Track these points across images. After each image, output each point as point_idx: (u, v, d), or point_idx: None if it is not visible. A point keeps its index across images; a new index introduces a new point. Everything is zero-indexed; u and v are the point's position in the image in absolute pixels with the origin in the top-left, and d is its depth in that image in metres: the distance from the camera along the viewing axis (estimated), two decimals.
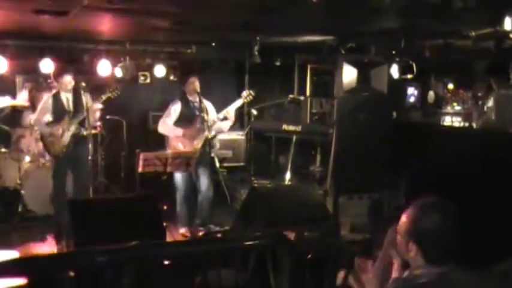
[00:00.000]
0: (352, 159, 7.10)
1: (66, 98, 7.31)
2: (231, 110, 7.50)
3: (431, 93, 9.31)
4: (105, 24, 7.16)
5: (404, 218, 2.84)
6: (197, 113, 7.49)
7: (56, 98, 7.34)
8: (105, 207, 5.63)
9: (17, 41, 8.33)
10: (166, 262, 4.59)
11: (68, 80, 7.29)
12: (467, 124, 9.21)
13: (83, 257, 4.55)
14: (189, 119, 7.48)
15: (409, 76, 7.97)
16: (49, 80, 8.78)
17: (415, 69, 7.74)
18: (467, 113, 9.25)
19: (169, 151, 7.24)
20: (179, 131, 7.43)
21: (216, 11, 5.96)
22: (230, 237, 5.54)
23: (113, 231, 5.17)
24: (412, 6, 5.19)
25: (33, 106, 8.51)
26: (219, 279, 4.65)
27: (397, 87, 8.65)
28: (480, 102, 8.96)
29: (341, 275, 4.89)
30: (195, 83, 7.52)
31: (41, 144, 8.06)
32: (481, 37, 6.30)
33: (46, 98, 7.43)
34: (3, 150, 8.31)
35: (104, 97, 7.25)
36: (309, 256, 4.56)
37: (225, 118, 7.52)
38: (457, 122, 9.35)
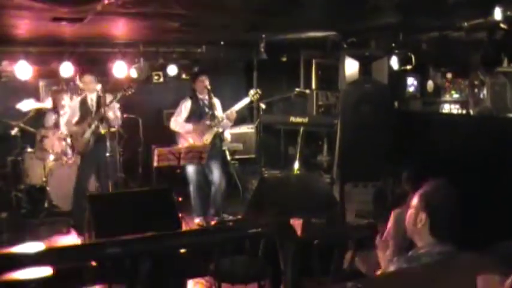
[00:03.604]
0: (356, 149, 7.06)
1: (91, 98, 7.38)
2: (234, 110, 7.53)
3: (430, 83, 9.23)
4: (119, 28, 7.15)
5: (417, 194, 2.95)
6: (206, 109, 7.52)
7: (83, 99, 7.47)
8: (122, 200, 5.66)
9: (39, 47, 8.37)
10: (182, 250, 4.60)
11: (89, 80, 7.36)
12: (464, 111, 9.15)
13: (102, 248, 4.57)
14: (198, 115, 7.52)
15: (409, 67, 7.91)
16: (71, 83, 8.89)
17: (413, 60, 7.68)
18: (465, 101, 9.20)
19: (182, 145, 7.27)
20: (189, 127, 7.47)
21: (222, 13, 5.94)
22: (234, 226, 5.53)
23: (131, 223, 5.18)
24: (408, 2, 5.15)
25: (55, 108, 8.59)
26: (232, 266, 4.67)
27: (397, 78, 8.59)
28: (476, 90, 8.90)
29: (348, 257, 4.89)
30: (205, 81, 7.55)
31: (64, 143, 8.16)
32: (473, 28, 6.24)
33: (75, 101, 7.60)
34: (29, 150, 8.38)
35: (118, 95, 7.29)
36: (316, 242, 4.55)
37: (227, 118, 7.56)
38: (455, 109, 9.29)
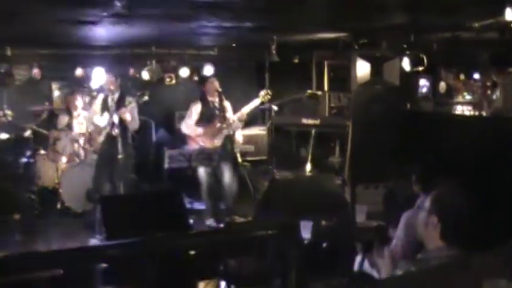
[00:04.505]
0: (368, 150, 7.03)
1: (111, 98, 7.41)
2: (245, 112, 7.53)
3: (442, 84, 9.18)
4: (131, 30, 7.19)
5: (428, 197, 2.95)
6: (217, 112, 7.52)
7: (105, 99, 7.49)
8: (133, 202, 5.67)
9: (52, 49, 8.44)
10: (192, 252, 4.61)
11: (111, 80, 7.41)
12: (477, 113, 9.09)
13: (112, 250, 4.59)
14: (208, 118, 7.52)
15: (420, 68, 7.87)
16: (86, 85, 8.97)
17: (425, 61, 7.64)
18: (478, 102, 9.13)
19: (192, 147, 7.28)
20: (200, 130, 7.47)
21: (233, 15, 5.95)
22: (240, 228, 5.54)
23: (141, 225, 5.20)
24: (418, 2, 5.13)
25: (67, 109, 8.65)
26: (240, 267, 4.66)
27: (409, 79, 8.56)
28: (489, 91, 8.83)
29: (357, 260, 4.86)
30: (214, 83, 7.56)
31: (76, 145, 8.22)
32: (484, 28, 6.20)
33: (98, 99, 7.63)
34: (41, 152, 8.44)
35: (129, 102, 7.34)
36: (324, 244, 4.54)
37: (237, 119, 7.56)
38: (467, 111, 9.23)
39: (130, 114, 7.32)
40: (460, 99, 9.36)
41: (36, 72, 8.74)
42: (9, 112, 7.86)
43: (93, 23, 6.03)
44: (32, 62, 8.73)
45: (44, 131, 8.46)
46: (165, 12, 5.65)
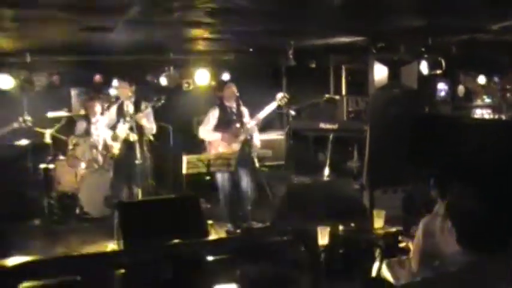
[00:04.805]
0: (386, 154, 7.02)
1: (127, 105, 7.47)
2: (261, 117, 7.53)
3: (461, 88, 9.10)
4: (148, 36, 7.23)
5: (443, 202, 2.94)
6: (234, 117, 7.53)
7: (120, 106, 7.59)
8: (151, 208, 5.71)
9: (71, 56, 8.53)
10: (209, 258, 4.62)
11: (124, 87, 7.48)
12: (496, 116, 8.98)
13: (130, 255, 4.63)
14: (226, 123, 7.53)
15: (438, 72, 7.80)
16: (104, 91, 9.04)
17: (443, 64, 7.58)
18: (497, 105, 9.03)
19: (210, 153, 7.30)
20: (218, 136, 7.48)
21: (248, 20, 5.95)
22: (258, 234, 5.54)
23: (159, 230, 5.23)
24: (434, 5, 5.09)
25: (86, 116, 8.73)
26: (257, 273, 4.65)
27: (427, 83, 8.49)
28: (508, 94, 8.73)
29: (375, 266, 4.83)
30: (232, 89, 7.58)
31: (95, 151, 8.28)
32: (503, 30, 6.13)
33: (113, 107, 7.75)
34: (61, 158, 8.51)
35: (145, 106, 7.39)
36: (341, 251, 4.52)
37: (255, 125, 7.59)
38: (487, 114, 9.13)
39: (146, 119, 7.39)
40: (479, 102, 9.26)
41: (55, 78, 8.84)
42: (29, 118, 7.93)
43: (110, 29, 6.07)
44: (51, 68, 8.82)
45: (63, 137, 8.54)
46: (181, 19, 5.66)
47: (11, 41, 6.97)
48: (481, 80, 8.97)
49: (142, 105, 7.42)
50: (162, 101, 7.44)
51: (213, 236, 6.43)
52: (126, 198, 7.58)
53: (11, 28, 5.96)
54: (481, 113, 9.18)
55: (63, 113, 8.80)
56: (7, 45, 7.36)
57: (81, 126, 8.69)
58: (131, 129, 7.32)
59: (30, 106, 8.58)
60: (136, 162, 7.23)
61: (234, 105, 7.61)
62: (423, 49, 7.60)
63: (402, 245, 4.51)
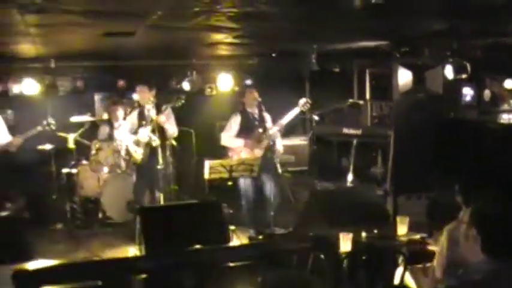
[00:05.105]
0: (410, 159, 6.94)
1: (147, 109, 7.50)
2: (284, 123, 7.50)
3: (487, 92, 8.98)
4: (171, 41, 7.26)
5: (468, 209, 2.90)
6: (256, 123, 7.52)
7: (141, 111, 7.60)
8: (172, 213, 5.71)
9: (94, 61, 8.61)
10: (230, 264, 4.60)
11: (144, 91, 7.51)
12: None
13: (151, 261, 4.63)
14: (248, 129, 7.53)
15: (464, 76, 7.70)
16: (127, 96, 9.10)
17: (469, 69, 7.48)
18: None
19: (233, 158, 7.29)
20: (240, 142, 7.47)
21: (271, 24, 5.93)
22: (280, 240, 5.50)
23: (180, 236, 5.23)
24: (457, 8, 5.03)
25: (109, 120, 8.79)
26: (279, 279, 4.62)
27: (453, 88, 8.38)
28: None
29: (398, 273, 4.77)
30: (253, 94, 7.57)
31: (117, 155, 8.33)
32: None
33: (134, 113, 7.75)
34: (84, 162, 8.57)
35: (165, 107, 7.40)
36: (364, 257, 4.46)
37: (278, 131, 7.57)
38: None
39: (166, 118, 7.38)
40: (505, 107, 9.12)
41: (79, 83, 8.93)
42: (52, 122, 8.00)
43: (132, 33, 6.10)
44: (75, 73, 8.92)
45: (86, 142, 8.60)
46: (204, 23, 5.67)
47: (36, 47, 7.05)
48: (508, 84, 8.82)
49: (163, 107, 7.43)
50: (182, 101, 7.44)
51: (235, 242, 6.41)
52: (148, 203, 7.61)
53: (35, 34, 6.03)
54: (508, 117, 9.03)
55: (86, 118, 8.87)
56: (32, 51, 7.45)
57: (104, 131, 8.76)
58: (153, 131, 7.34)
59: (54, 111, 8.67)
60: (159, 167, 7.24)
61: (256, 110, 7.61)
62: (448, 53, 7.51)
63: (428, 249, 4.44)
